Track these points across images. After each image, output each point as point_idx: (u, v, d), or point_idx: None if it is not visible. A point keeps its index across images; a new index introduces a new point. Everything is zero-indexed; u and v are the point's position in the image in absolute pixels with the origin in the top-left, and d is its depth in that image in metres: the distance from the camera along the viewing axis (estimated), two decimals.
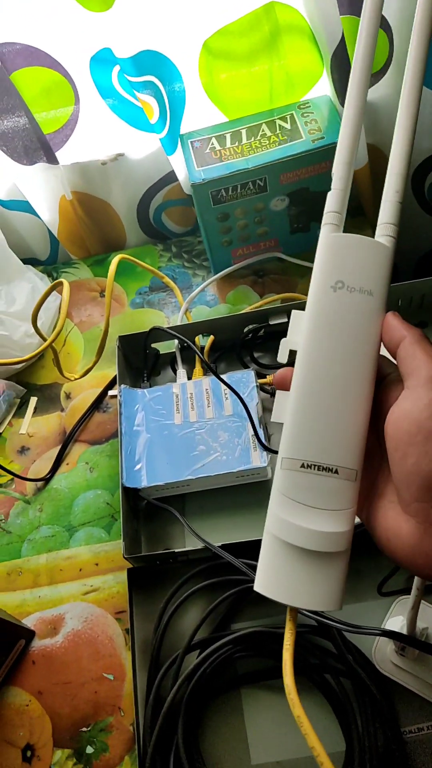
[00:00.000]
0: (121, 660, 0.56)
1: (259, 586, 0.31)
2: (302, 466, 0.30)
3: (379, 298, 0.32)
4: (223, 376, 0.63)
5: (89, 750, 0.53)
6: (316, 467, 0.30)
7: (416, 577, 0.40)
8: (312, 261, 0.77)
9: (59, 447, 0.68)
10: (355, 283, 0.31)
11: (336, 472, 0.30)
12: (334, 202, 0.34)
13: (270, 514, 0.31)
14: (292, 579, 0.30)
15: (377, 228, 0.33)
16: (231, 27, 0.61)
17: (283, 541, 0.30)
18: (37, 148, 0.69)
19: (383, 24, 0.63)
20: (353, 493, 0.31)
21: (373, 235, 0.80)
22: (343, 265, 0.32)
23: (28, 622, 0.59)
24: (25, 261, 0.81)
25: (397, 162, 0.33)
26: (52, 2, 0.58)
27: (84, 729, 0.54)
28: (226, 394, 0.63)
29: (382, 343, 0.32)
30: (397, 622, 0.48)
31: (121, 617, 0.58)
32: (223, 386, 0.63)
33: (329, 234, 0.33)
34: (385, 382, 0.33)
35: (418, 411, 0.28)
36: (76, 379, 0.69)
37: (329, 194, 0.34)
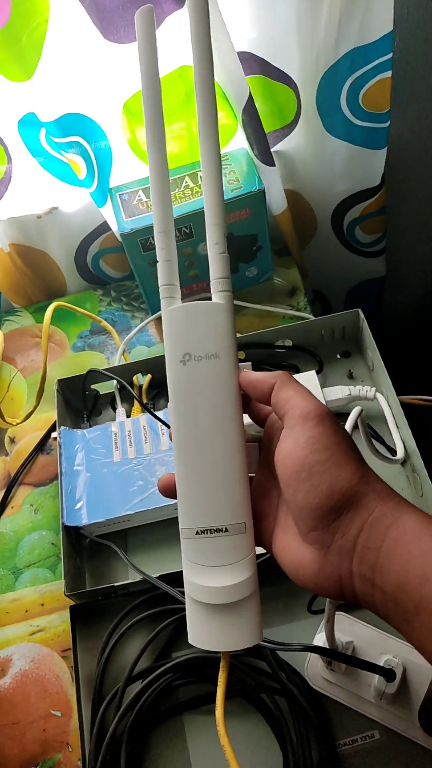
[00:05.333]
0: (68, 697, 0.57)
1: (191, 639, 0.35)
2: (197, 533, 0.34)
3: (226, 358, 0.33)
4: (159, 412, 0.66)
5: None
6: (208, 531, 0.34)
7: None
8: (243, 300, 0.82)
9: (4, 491, 0.70)
10: (200, 351, 0.33)
11: (226, 530, 0.33)
12: (163, 275, 0.35)
13: (184, 579, 0.35)
14: (214, 629, 0.34)
15: (211, 285, 0.34)
16: None
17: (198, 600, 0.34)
18: None
19: (289, 82, 0.69)
20: (247, 542, 0.34)
21: (300, 272, 0.84)
22: (185, 337, 0.34)
23: None
24: None
25: (211, 214, 0.34)
26: None
27: None
28: (162, 429, 0.66)
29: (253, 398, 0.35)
30: (323, 638, 0.50)
31: (68, 655, 0.59)
32: (160, 422, 0.66)
33: (166, 308, 0.34)
34: (268, 422, 0.36)
35: (299, 449, 0.31)
36: (17, 423, 0.71)
37: (158, 267, 0.35)
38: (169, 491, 0.35)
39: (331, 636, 0.46)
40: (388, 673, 0.47)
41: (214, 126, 0.35)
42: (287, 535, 0.33)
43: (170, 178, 0.72)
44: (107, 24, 0.59)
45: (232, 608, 0.34)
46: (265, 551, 0.54)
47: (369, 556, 0.29)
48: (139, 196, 0.72)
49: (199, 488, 0.34)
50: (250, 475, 0.35)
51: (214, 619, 0.34)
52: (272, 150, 0.73)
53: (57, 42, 0.60)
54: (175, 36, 0.61)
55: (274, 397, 0.33)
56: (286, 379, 0.33)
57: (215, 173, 0.34)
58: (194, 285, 0.79)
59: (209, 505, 0.34)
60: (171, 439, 0.35)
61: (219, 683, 0.36)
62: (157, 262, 0.35)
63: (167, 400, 0.72)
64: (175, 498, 0.35)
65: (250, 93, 0.64)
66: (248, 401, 0.36)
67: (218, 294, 0.34)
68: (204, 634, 0.34)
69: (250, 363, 0.36)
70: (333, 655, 0.47)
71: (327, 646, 0.48)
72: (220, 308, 0.34)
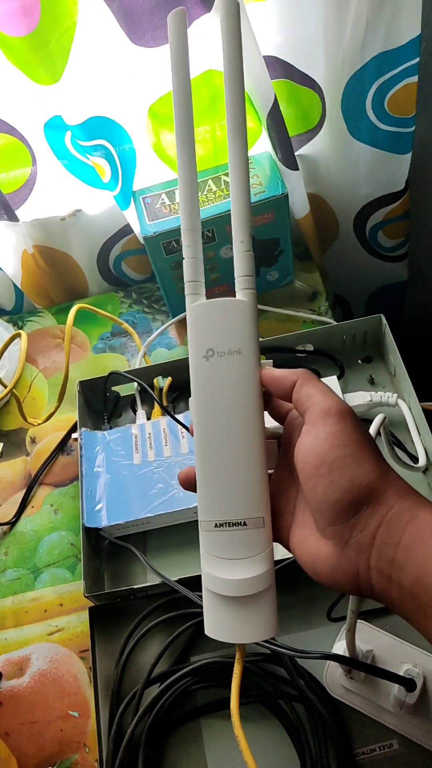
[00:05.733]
0: (85, 697, 0.58)
1: (207, 630, 0.35)
2: (215, 525, 0.34)
3: (249, 355, 0.34)
4: (179, 416, 0.66)
5: None
6: (227, 524, 0.34)
7: (350, 601, 0.43)
8: (264, 304, 0.81)
9: (24, 490, 0.70)
10: (223, 347, 0.34)
11: (244, 524, 0.34)
12: (188, 272, 0.35)
13: (202, 570, 0.35)
14: (230, 620, 0.34)
15: (235, 283, 0.35)
16: None
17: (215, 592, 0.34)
18: None
19: (314, 86, 0.68)
20: (265, 536, 0.34)
21: (321, 276, 0.83)
22: (209, 333, 0.34)
23: None
24: None
25: (238, 212, 0.34)
26: (4, 75, 0.62)
27: None
28: (182, 432, 0.66)
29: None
30: (343, 646, 0.50)
31: (86, 656, 0.60)
32: (180, 425, 0.66)
33: (190, 305, 0.35)
34: (287, 419, 0.36)
35: (320, 444, 0.31)
36: (39, 423, 0.71)
37: (183, 263, 0.35)
38: (189, 484, 0.35)
39: (351, 645, 0.45)
40: (408, 683, 0.47)
41: (243, 126, 0.35)
42: (305, 530, 0.33)
43: None
44: (134, 28, 0.60)
45: (249, 601, 0.34)
46: (285, 557, 0.54)
47: (387, 552, 0.29)
48: (163, 199, 0.72)
49: (218, 482, 0.34)
50: (269, 471, 0.35)
51: (230, 611, 0.34)
52: (296, 154, 0.73)
53: (84, 46, 0.60)
54: (201, 40, 0.61)
55: (295, 393, 0.33)
56: (308, 377, 0.33)
57: (242, 173, 0.35)
58: (215, 288, 0.79)
59: (228, 499, 0.34)
60: (192, 433, 0.35)
61: (234, 675, 0.36)
62: (183, 259, 0.35)
63: (187, 403, 0.73)
64: (194, 491, 0.35)
65: (275, 97, 0.64)
66: (269, 398, 0.37)
67: (242, 291, 0.34)
68: (220, 625, 0.34)
69: (271, 360, 0.37)
70: (353, 663, 0.47)
71: (347, 654, 0.48)
72: (244, 305, 0.34)
